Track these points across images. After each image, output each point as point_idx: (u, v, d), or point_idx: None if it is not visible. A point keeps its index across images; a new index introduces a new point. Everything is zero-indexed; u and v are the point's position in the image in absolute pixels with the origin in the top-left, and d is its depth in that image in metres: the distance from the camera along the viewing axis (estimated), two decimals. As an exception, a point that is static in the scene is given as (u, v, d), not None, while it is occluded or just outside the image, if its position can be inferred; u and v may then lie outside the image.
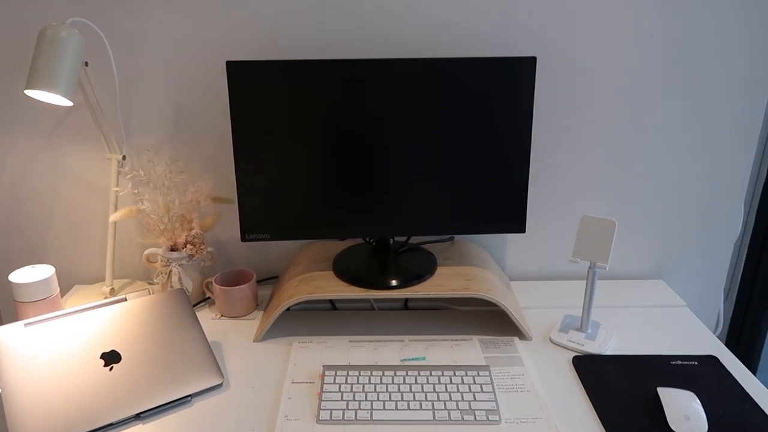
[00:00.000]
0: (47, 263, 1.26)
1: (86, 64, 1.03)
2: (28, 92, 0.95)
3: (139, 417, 0.87)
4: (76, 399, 0.85)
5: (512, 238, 1.28)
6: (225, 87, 1.15)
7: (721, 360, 0.99)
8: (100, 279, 1.29)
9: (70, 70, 0.97)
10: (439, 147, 1.03)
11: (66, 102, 0.99)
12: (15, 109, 1.15)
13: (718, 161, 1.21)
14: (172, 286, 1.13)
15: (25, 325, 0.90)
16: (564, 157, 1.21)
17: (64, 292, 1.29)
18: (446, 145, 1.03)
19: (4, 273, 1.28)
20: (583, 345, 1.03)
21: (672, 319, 1.13)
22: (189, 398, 0.91)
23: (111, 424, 0.85)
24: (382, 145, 1.02)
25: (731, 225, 1.26)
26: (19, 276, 1.03)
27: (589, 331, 1.06)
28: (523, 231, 1.09)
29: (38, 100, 1.13)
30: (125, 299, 0.98)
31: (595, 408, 0.88)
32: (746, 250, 1.34)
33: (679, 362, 0.99)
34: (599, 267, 1.00)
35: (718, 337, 1.39)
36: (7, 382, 0.83)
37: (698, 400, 0.87)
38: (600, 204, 1.25)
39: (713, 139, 1.19)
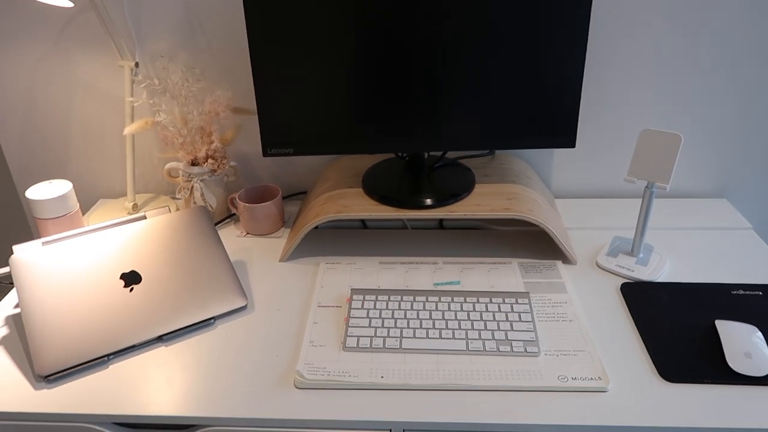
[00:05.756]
0: (69, 178, 1.23)
1: (86, -43, 0.92)
2: (23, -9, 0.86)
3: (161, 339, 0.85)
4: (97, 320, 0.82)
5: (559, 152, 1.16)
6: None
7: (789, 290, 0.89)
8: (124, 193, 1.25)
9: (67, -36, 0.87)
10: (483, 51, 0.90)
11: (65, 3, 0.90)
12: (19, 14, 1.07)
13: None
14: (194, 202, 1.08)
15: (43, 243, 0.87)
16: (618, 64, 1.06)
17: (88, 206, 1.26)
18: (491, 49, 0.90)
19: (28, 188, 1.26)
20: (633, 271, 0.94)
21: (735, 242, 1.03)
22: (212, 320, 0.88)
23: (134, 346, 0.83)
24: (419, 49, 0.90)
25: (811, 138, 1.12)
26: (36, 192, 0.99)
27: (641, 255, 0.97)
28: (573, 146, 0.98)
29: (40, 3, 1.03)
30: (144, 217, 0.93)
31: (644, 341, 0.81)
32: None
33: (741, 291, 0.90)
34: (659, 187, 0.89)
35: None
36: (26, 302, 0.81)
37: (761, 335, 0.78)
38: (656, 116, 1.11)
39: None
